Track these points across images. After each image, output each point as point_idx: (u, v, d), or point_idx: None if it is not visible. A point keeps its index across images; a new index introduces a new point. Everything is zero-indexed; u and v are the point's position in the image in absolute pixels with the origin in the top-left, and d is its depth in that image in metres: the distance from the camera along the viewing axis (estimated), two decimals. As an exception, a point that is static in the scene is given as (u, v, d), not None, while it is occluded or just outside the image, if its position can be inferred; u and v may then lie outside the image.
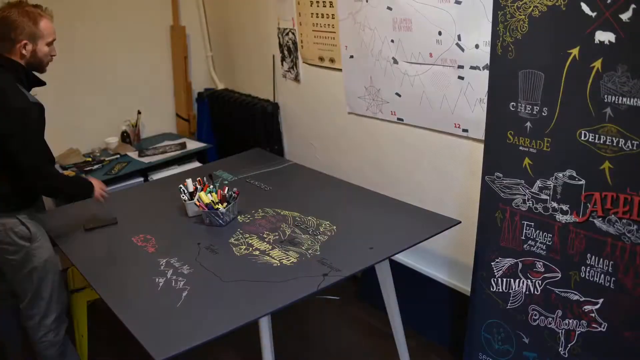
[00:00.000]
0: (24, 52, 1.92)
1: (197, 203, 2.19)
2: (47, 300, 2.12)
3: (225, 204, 2.17)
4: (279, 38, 3.14)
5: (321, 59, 2.89)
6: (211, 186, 2.28)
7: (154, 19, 3.62)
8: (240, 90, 3.71)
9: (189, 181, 2.32)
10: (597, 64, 1.58)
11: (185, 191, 2.29)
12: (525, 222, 1.92)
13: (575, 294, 1.81)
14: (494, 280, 2.05)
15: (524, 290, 1.96)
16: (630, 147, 1.57)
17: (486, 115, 1.95)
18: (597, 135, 1.64)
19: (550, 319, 1.90)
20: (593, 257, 1.73)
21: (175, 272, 1.87)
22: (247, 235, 2.08)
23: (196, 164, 3.40)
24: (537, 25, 1.70)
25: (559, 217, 1.81)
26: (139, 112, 3.56)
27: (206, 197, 2.17)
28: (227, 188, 2.25)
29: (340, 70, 2.77)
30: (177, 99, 3.82)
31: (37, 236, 2.07)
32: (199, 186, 2.32)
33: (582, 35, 1.59)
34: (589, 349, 1.81)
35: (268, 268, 1.84)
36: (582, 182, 1.71)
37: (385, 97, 2.57)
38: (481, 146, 2.04)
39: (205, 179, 2.44)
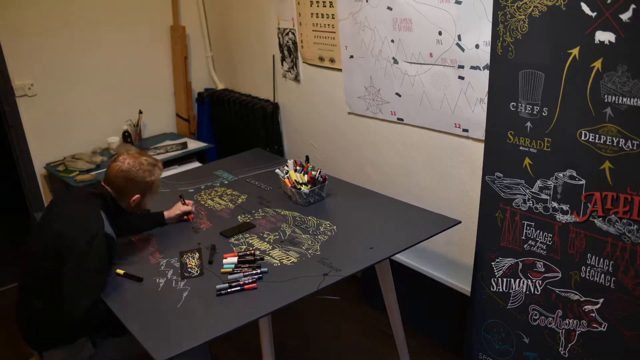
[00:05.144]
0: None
1: (286, 180, 2.33)
2: None
3: (309, 186, 2.28)
4: (279, 38, 3.14)
5: (321, 59, 2.88)
6: (310, 167, 2.39)
7: (154, 19, 3.62)
8: (240, 90, 3.71)
9: (290, 162, 2.45)
10: (597, 64, 1.58)
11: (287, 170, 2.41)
12: (526, 222, 1.91)
13: (576, 294, 1.81)
14: (494, 280, 2.05)
15: (524, 290, 1.96)
16: (630, 147, 1.57)
17: (486, 115, 1.95)
18: (597, 135, 1.64)
19: (551, 318, 1.90)
20: (593, 257, 1.73)
21: (175, 272, 1.87)
22: (248, 235, 2.08)
23: (196, 164, 3.40)
24: (537, 25, 1.70)
25: (559, 217, 1.81)
26: (140, 112, 3.56)
27: (295, 176, 2.32)
28: (320, 170, 2.33)
29: (340, 70, 2.77)
30: (177, 99, 3.82)
31: None
32: (298, 167, 2.43)
33: (582, 35, 1.59)
34: (589, 349, 1.81)
35: (268, 268, 1.84)
36: (583, 182, 1.71)
37: (385, 97, 2.57)
38: (481, 146, 2.04)
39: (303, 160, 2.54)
